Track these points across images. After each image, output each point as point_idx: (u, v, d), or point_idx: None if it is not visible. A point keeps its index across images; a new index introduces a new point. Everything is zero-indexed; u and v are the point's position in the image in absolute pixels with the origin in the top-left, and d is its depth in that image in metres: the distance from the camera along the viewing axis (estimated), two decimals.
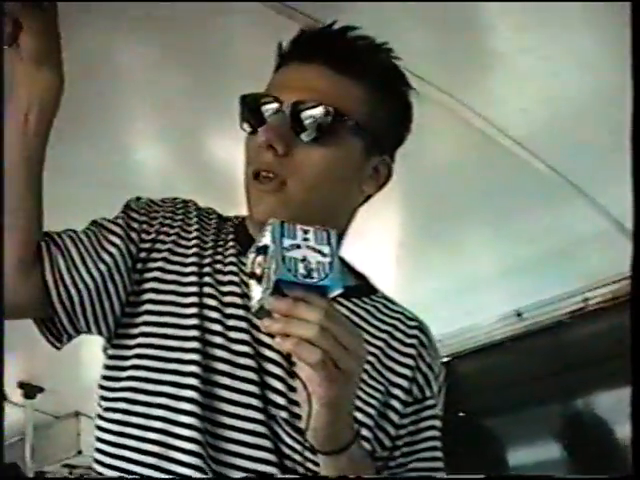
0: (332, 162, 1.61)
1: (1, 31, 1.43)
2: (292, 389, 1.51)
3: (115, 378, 1.59)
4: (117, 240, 1.62)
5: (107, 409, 1.58)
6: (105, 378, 1.62)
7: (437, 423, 1.69)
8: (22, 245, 1.52)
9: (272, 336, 1.40)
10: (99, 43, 2.08)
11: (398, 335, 1.68)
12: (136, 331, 1.58)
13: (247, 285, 1.53)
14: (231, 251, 1.66)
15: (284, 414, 1.51)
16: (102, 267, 1.58)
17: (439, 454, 1.67)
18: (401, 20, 2.04)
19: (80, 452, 5.36)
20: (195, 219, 1.72)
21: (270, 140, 1.54)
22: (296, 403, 1.48)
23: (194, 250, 1.65)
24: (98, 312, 1.58)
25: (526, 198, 2.81)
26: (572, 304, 3.37)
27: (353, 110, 1.60)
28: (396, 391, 1.63)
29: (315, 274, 1.25)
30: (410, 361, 1.67)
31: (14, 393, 5.00)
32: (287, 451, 1.50)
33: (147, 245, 1.64)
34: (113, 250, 1.60)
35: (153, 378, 1.52)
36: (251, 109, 1.60)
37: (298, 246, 1.26)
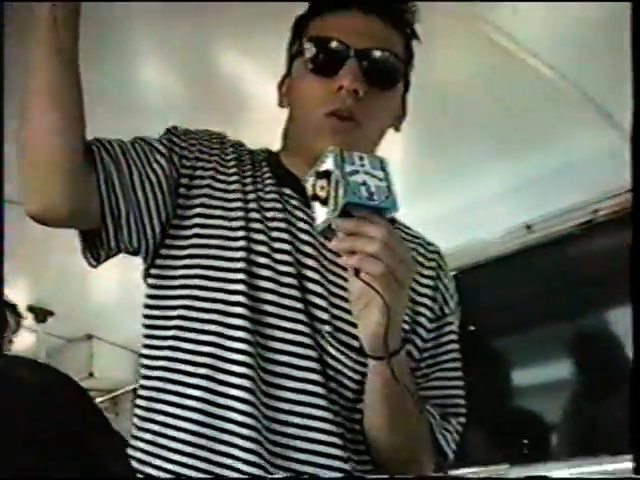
0: (392, 105, 1.83)
1: (1, 31, 1.42)
2: (334, 305, 1.68)
3: (164, 297, 1.70)
4: (162, 160, 1.70)
5: (158, 331, 1.70)
6: (152, 298, 1.74)
7: (455, 337, 1.89)
8: (76, 146, 1.55)
9: (316, 260, 1.70)
10: None
11: (420, 259, 1.88)
12: (184, 253, 1.69)
13: (288, 212, 1.73)
14: (269, 181, 1.80)
15: (328, 328, 1.66)
16: (146, 184, 1.66)
17: (458, 364, 1.87)
18: None
19: (92, 374, 5.42)
20: (230, 149, 1.85)
21: (355, 85, 1.67)
22: (339, 318, 1.68)
23: (235, 178, 1.77)
24: (140, 226, 1.66)
25: (534, 110, 2.79)
26: (581, 216, 3.35)
27: (402, 58, 1.80)
28: (421, 309, 1.82)
29: (376, 196, 1.38)
30: (431, 282, 1.87)
31: (25, 316, 5.03)
32: (331, 361, 1.65)
33: (188, 171, 1.74)
34: (157, 169, 1.68)
35: (203, 296, 1.65)
36: (321, 52, 1.73)
37: (357, 171, 1.40)
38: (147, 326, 1.73)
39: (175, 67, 2.75)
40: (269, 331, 1.62)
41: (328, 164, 1.41)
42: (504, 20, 2.39)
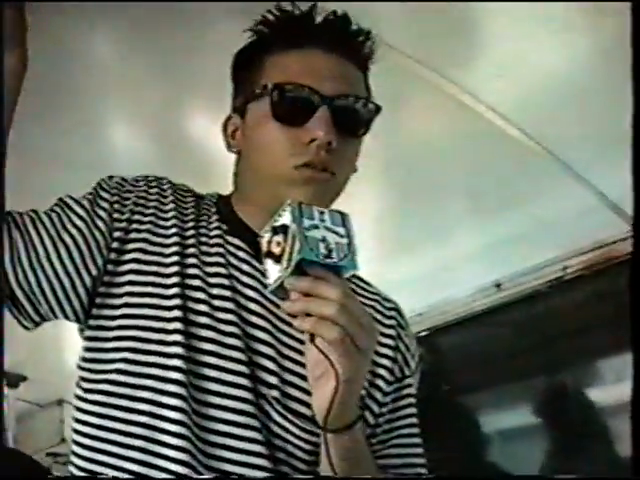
0: (358, 149, 1.69)
1: (1, 31, 1.42)
2: (284, 369, 1.54)
3: (97, 360, 1.57)
4: (79, 222, 1.61)
5: (89, 391, 1.57)
6: (85, 360, 1.60)
7: (414, 401, 1.75)
8: None
9: (264, 318, 1.56)
10: (69, 28, 2.06)
11: (377, 317, 1.73)
12: (117, 313, 1.56)
13: (233, 266, 1.61)
14: (216, 232, 1.67)
15: (275, 393, 1.52)
16: (62, 250, 1.57)
17: (417, 430, 1.73)
18: None
19: (64, 440, 5.35)
20: (171, 197, 1.71)
21: (329, 137, 1.54)
22: (289, 383, 1.53)
23: (174, 230, 1.64)
24: (60, 295, 1.56)
25: (502, 167, 2.81)
26: (551, 273, 3.37)
27: (368, 99, 1.68)
28: (381, 371, 1.68)
29: (334, 254, 1.29)
30: (391, 342, 1.73)
31: None
32: (278, 430, 1.51)
33: (122, 225, 1.63)
34: (74, 232, 1.59)
35: (137, 360, 1.51)
36: (288, 101, 1.60)
37: (316, 227, 1.31)
38: (81, 388, 1.60)
39: (147, 131, 2.75)
40: (209, 398, 1.49)
41: (285, 218, 1.32)
42: (474, 84, 2.41)
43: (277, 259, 1.31)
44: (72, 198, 1.67)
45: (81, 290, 1.58)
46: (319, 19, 1.68)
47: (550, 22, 2.13)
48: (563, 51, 2.22)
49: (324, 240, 1.30)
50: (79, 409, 1.58)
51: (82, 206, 1.64)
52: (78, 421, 1.58)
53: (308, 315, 1.30)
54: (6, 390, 5.11)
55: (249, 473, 1.47)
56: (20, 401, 5.30)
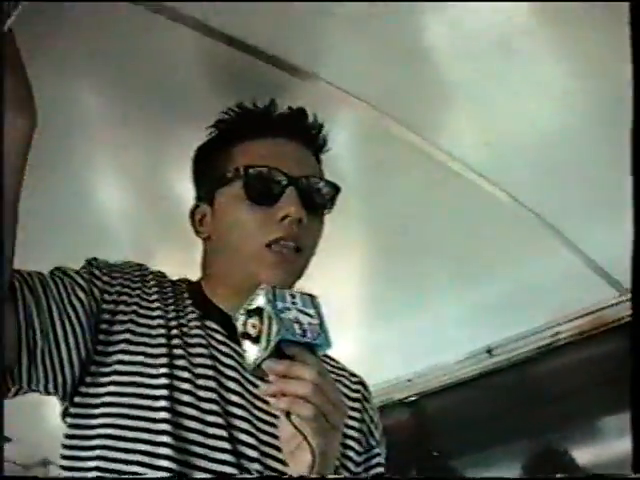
0: (322, 226, 1.84)
1: (1, 31, 1.42)
2: (263, 442, 1.64)
3: (81, 447, 1.62)
4: (82, 294, 1.66)
5: (83, 468, 1.60)
6: (68, 447, 1.65)
7: (382, 470, 1.87)
8: None
9: (241, 396, 1.66)
10: (54, 88, 2.06)
11: (345, 391, 1.86)
12: (103, 390, 1.62)
13: (213, 347, 1.71)
14: (191, 315, 1.77)
15: (257, 466, 1.61)
16: (66, 322, 1.62)
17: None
18: (359, 55, 2.04)
19: None
20: (152, 282, 1.81)
21: (300, 214, 1.71)
22: (268, 455, 1.65)
23: (158, 312, 1.73)
24: (57, 364, 1.60)
25: (492, 233, 2.80)
26: (542, 339, 3.36)
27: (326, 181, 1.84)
28: (350, 442, 1.80)
29: (309, 334, 1.38)
30: (357, 414, 1.86)
31: None
32: None
33: (110, 306, 1.70)
34: (77, 305, 1.64)
35: (125, 436, 1.57)
36: (260, 181, 1.75)
37: (288, 309, 1.39)
38: (64, 467, 1.65)
39: (133, 191, 2.75)
40: (196, 473, 1.56)
41: (259, 301, 1.40)
42: (463, 150, 2.42)
43: (254, 340, 1.38)
44: (72, 269, 1.73)
45: (76, 361, 1.62)
46: (279, 112, 1.87)
47: (542, 87, 2.14)
48: (555, 116, 2.22)
49: (297, 321, 1.38)
50: None
51: (82, 278, 1.70)
52: None
53: (284, 394, 1.38)
54: None
55: None
56: (6, 462, 5.25)
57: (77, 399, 1.66)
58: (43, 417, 4.34)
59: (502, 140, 2.38)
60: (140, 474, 1.53)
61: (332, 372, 1.84)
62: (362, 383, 1.93)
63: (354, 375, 1.93)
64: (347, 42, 2.03)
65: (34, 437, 5.01)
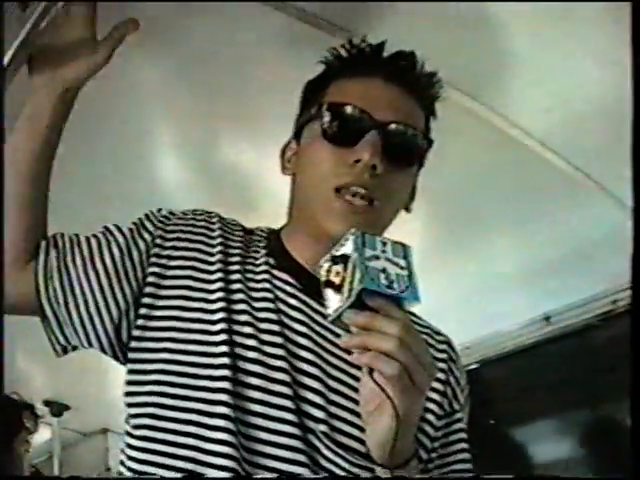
0: (408, 184, 1.70)
1: (1, 31, 1.43)
2: (332, 403, 1.52)
3: (137, 393, 1.56)
4: (115, 249, 1.63)
5: (134, 426, 1.55)
6: (128, 394, 1.58)
7: (465, 435, 1.73)
8: (21, 242, 1.57)
9: (313, 352, 1.56)
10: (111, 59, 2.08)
11: (430, 350, 1.65)
12: (160, 346, 1.55)
13: (281, 300, 1.60)
14: (263, 267, 1.67)
15: (323, 427, 1.50)
16: (92, 275, 1.60)
17: (469, 465, 1.69)
18: (418, 22, 2.03)
19: (109, 469, 5.36)
20: (218, 231, 1.71)
21: (374, 160, 1.54)
22: (337, 417, 1.52)
23: (218, 266, 1.63)
24: (85, 320, 1.58)
25: (551, 199, 2.78)
26: (601, 306, 3.33)
27: (424, 134, 1.69)
28: (431, 405, 1.66)
29: (395, 285, 1.26)
30: (442, 375, 1.71)
31: (41, 411, 5.00)
32: (327, 464, 1.49)
33: (162, 261, 1.64)
34: (107, 259, 1.62)
35: (182, 394, 1.49)
36: (340, 120, 1.61)
37: (377, 257, 1.28)
38: (127, 423, 1.60)
39: (192, 163, 2.76)
40: (256, 433, 1.47)
41: (347, 248, 1.30)
42: (524, 118, 2.39)
43: (337, 289, 1.29)
44: (116, 226, 1.69)
45: (106, 319, 1.59)
46: (386, 53, 1.71)
47: (598, 56, 2.11)
48: (611, 84, 2.19)
49: (385, 271, 1.28)
50: (128, 445, 1.57)
51: (123, 234, 1.67)
52: (127, 457, 1.56)
53: (366, 349, 1.27)
54: (51, 418, 5.15)
55: None
56: (64, 429, 5.32)
57: (131, 354, 1.60)
58: (103, 386, 4.40)
59: (562, 107, 2.35)
60: (195, 435, 1.46)
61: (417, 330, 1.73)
62: (448, 342, 1.80)
63: (440, 334, 1.80)
64: (405, 10, 2.02)
65: (94, 406, 5.07)
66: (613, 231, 2.83)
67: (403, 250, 1.33)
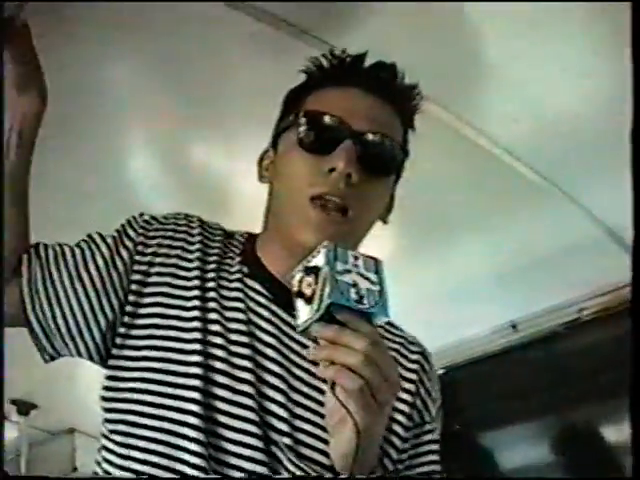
0: (384, 195, 1.70)
1: (1, 32, 1.43)
2: (296, 416, 1.53)
3: (114, 399, 1.57)
4: (100, 261, 1.63)
5: (110, 430, 1.57)
6: (105, 399, 1.60)
7: (436, 447, 1.71)
8: (8, 252, 1.56)
9: (279, 364, 1.56)
10: (85, 56, 2.08)
11: (401, 360, 1.71)
12: (139, 354, 1.56)
13: (252, 311, 1.61)
14: (236, 275, 1.67)
15: (287, 440, 1.50)
16: (79, 288, 1.59)
17: (437, 477, 1.68)
18: (388, 29, 2.05)
19: (75, 469, 5.33)
20: (198, 237, 1.71)
21: (349, 169, 1.54)
22: (301, 430, 1.53)
23: (196, 273, 1.64)
24: (74, 333, 1.59)
25: (519, 208, 2.80)
26: (567, 315, 3.36)
27: (400, 145, 1.69)
28: (398, 416, 1.65)
29: (365, 300, 1.26)
30: (412, 386, 1.70)
31: (8, 410, 4.98)
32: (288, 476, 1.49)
33: (143, 267, 1.64)
34: (93, 271, 1.62)
35: (154, 402, 1.51)
36: (316, 129, 1.61)
37: (349, 271, 1.28)
38: (104, 426, 1.60)
39: (166, 164, 2.76)
40: (222, 444, 1.48)
41: (319, 260, 1.30)
42: (491, 127, 2.42)
43: (308, 300, 1.29)
44: (100, 235, 1.69)
45: (95, 330, 1.59)
46: (366, 63, 1.71)
47: (567, 67, 2.14)
48: (579, 95, 2.22)
49: (355, 285, 1.28)
50: (104, 447, 1.59)
51: (107, 244, 1.66)
52: (103, 459, 1.58)
53: (332, 362, 1.28)
54: (18, 417, 5.12)
55: None
56: (31, 428, 5.30)
57: (111, 361, 1.60)
58: (71, 385, 4.39)
59: (530, 117, 2.38)
60: (167, 443, 1.47)
61: (389, 339, 1.73)
62: (422, 353, 1.77)
63: (414, 344, 1.78)
64: (379, 20, 2.03)
65: (61, 405, 5.05)
66: (580, 240, 2.87)
67: (375, 265, 1.33)
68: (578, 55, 2.12)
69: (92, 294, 1.59)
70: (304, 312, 1.30)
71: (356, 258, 1.32)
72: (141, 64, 2.24)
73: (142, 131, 2.62)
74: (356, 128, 1.59)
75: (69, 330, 1.59)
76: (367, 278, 1.30)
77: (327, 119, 1.60)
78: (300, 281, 1.32)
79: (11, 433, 5.28)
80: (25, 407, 5.08)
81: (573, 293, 3.29)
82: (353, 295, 1.26)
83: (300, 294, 1.31)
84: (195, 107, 2.39)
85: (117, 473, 1.52)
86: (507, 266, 3.12)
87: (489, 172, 2.61)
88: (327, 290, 1.25)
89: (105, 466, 1.56)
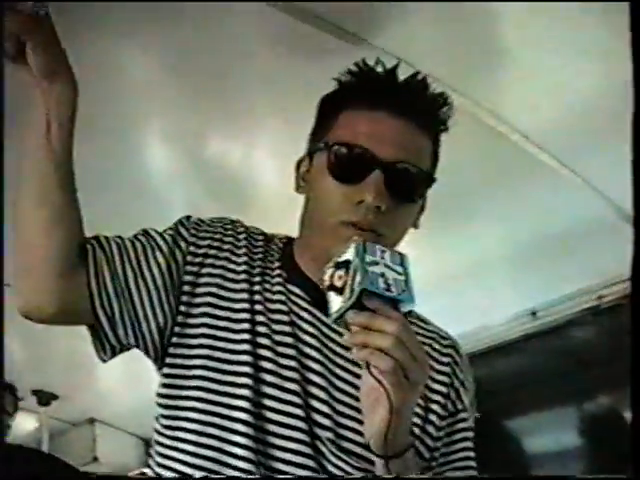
0: (415, 214, 1.75)
1: (1, 33, 1.44)
2: (338, 412, 1.63)
3: (173, 397, 1.65)
4: (161, 258, 1.67)
5: (164, 426, 1.66)
6: (162, 396, 1.68)
7: (470, 434, 1.81)
8: (67, 247, 1.56)
9: (321, 364, 1.65)
10: (104, 47, 2.08)
11: (434, 354, 1.80)
12: (193, 352, 1.65)
13: (294, 314, 1.69)
14: (277, 279, 1.74)
15: (330, 434, 1.60)
16: (141, 285, 1.64)
17: (472, 463, 1.79)
18: (406, 17, 2.04)
19: (96, 459, 5.36)
20: (244, 242, 1.78)
21: (378, 201, 1.60)
22: (342, 425, 1.62)
23: (243, 276, 1.71)
24: (137, 326, 1.64)
25: (537, 195, 2.80)
26: (586, 302, 3.35)
27: (429, 166, 1.74)
28: (433, 406, 1.74)
29: (393, 288, 1.35)
30: (445, 378, 1.79)
31: (29, 400, 5.01)
32: (332, 469, 1.59)
33: (195, 268, 1.70)
34: (154, 268, 1.66)
35: (207, 399, 1.60)
36: (345, 160, 1.66)
37: (376, 263, 1.37)
38: (159, 423, 1.69)
39: (184, 155, 2.77)
40: (270, 439, 1.58)
41: (349, 254, 1.39)
42: (510, 113, 2.42)
43: (339, 291, 1.38)
44: (156, 231, 1.73)
45: (154, 326, 1.65)
46: (397, 80, 1.72)
47: (584, 53, 2.13)
48: (597, 81, 2.21)
49: (383, 275, 1.36)
50: (158, 442, 1.68)
51: (165, 241, 1.70)
52: (157, 453, 1.67)
53: (365, 347, 1.35)
54: (38, 408, 5.15)
55: None
56: (52, 419, 5.33)
57: (168, 359, 1.68)
58: (91, 376, 4.41)
59: (549, 103, 2.37)
60: (218, 437, 1.57)
61: (422, 334, 1.81)
62: (454, 347, 1.86)
63: (446, 338, 1.87)
64: (396, 7, 2.03)
65: (82, 396, 5.08)
66: (599, 227, 2.85)
67: (400, 258, 1.42)
68: (596, 41, 2.11)
69: (153, 292, 1.64)
70: (336, 302, 1.38)
71: (383, 252, 1.41)
72: (160, 54, 2.24)
73: (157, 123, 2.63)
74: (384, 157, 1.63)
75: (133, 326, 1.63)
76: (394, 270, 1.38)
77: (355, 150, 1.65)
78: (331, 276, 1.41)
79: (32, 424, 5.32)
80: (46, 397, 5.11)
81: (592, 280, 3.27)
82: (382, 284, 1.35)
83: (332, 287, 1.40)
84: (212, 97, 2.39)
85: (169, 465, 1.61)
86: (526, 253, 3.12)
87: (507, 158, 2.61)
88: (358, 278, 1.34)
89: (159, 459, 1.65)
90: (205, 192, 2.68)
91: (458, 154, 2.60)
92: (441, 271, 3.21)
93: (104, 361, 1.69)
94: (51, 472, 1.65)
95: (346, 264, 1.39)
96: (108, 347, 1.66)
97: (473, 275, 3.28)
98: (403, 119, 1.67)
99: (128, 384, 4.21)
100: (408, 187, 1.68)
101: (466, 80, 2.30)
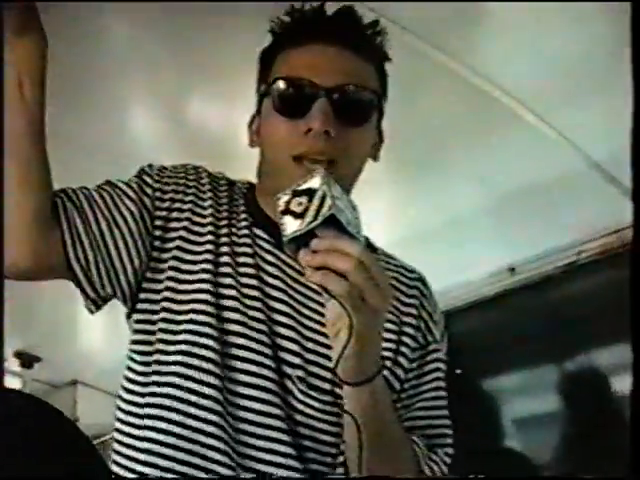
0: (367, 138, 1.75)
1: (1, 33, 1.43)
2: (307, 350, 1.65)
3: (143, 342, 1.68)
4: (132, 205, 1.68)
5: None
6: (133, 342, 1.70)
7: (441, 365, 1.83)
8: (37, 201, 1.55)
9: (286, 304, 1.68)
10: (86, 14, 2.07)
11: (401, 287, 1.83)
12: (159, 297, 1.67)
13: (259, 256, 1.71)
14: (244, 223, 1.76)
15: (299, 372, 1.63)
16: (116, 232, 1.65)
17: (443, 393, 1.81)
18: None
19: (77, 420, 5.37)
20: (208, 186, 1.80)
21: (325, 126, 1.61)
22: (312, 362, 1.65)
23: (210, 219, 1.74)
24: (113, 275, 1.64)
25: (516, 151, 2.81)
26: (565, 257, 3.37)
27: (374, 88, 1.73)
28: (404, 338, 1.77)
29: (351, 228, 1.33)
30: (413, 310, 1.82)
31: (11, 362, 5.01)
32: (299, 406, 1.61)
33: (163, 213, 1.72)
34: (127, 215, 1.67)
35: (171, 340, 1.62)
36: (288, 94, 1.68)
37: (339, 199, 1.34)
38: (126, 378, 1.72)
39: (162, 113, 2.76)
40: (236, 375, 1.59)
41: (314, 182, 1.35)
42: (489, 68, 2.42)
43: (298, 216, 1.33)
44: (121, 181, 1.74)
45: (130, 272, 1.66)
46: (326, 14, 1.76)
47: (564, 9, 2.14)
48: (577, 37, 2.22)
49: (343, 212, 1.33)
50: (122, 398, 1.73)
51: (132, 189, 1.71)
52: (121, 413, 1.74)
53: (321, 269, 1.32)
54: (21, 370, 5.15)
55: (275, 448, 1.57)
56: (35, 381, 5.33)
57: (139, 305, 1.70)
58: (73, 338, 4.41)
59: (528, 57, 2.37)
60: (183, 375, 1.57)
61: (388, 269, 1.83)
62: (421, 279, 1.88)
63: (412, 271, 1.89)
64: None
65: (64, 358, 5.08)
66: (578, 183, 2.87)
67: (353, 206, 1.40)
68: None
69: (128, 238, 1.65)
70: (292, 225, 1.34)
71: (342, 193, 1.38)
72: (142, 14, 2.23)
73: (140, 84, 2.62)
74: (326, 84, 1.64)
75: (109, 274, 1.64)
76: (350, 212, 1.36)
77: (297, 81, 1.67)
78: (288, 202, 1.36)
79: (14, 385, 5.32)
80: (29, 360, 5.11)
81: (571, 236, 3.29)
82: (343, 218, 1.32)
83: (288, 212, 1.35)
84: (193, 58, 2.39)
85: (139, 401, 1.64)
86: (504, 209, 3.13)
87: (486, 113, 2.61)
88: (329, 202, 1.31)
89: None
90: (187, 155, 2.68)
91: (436, 109, 2.61)
92: (417, 226, 3.23)
93: (91, 312, 1.70)
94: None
95: (308, 192, 1.35)
96: (89, 299, 1.67)
97: (450, 231, 3.28)
98: (338, 47, 1.70)
99: (110, 346, 4.22)
100: (355, 110, 1.68)
101: (445, 36, 2.30)
